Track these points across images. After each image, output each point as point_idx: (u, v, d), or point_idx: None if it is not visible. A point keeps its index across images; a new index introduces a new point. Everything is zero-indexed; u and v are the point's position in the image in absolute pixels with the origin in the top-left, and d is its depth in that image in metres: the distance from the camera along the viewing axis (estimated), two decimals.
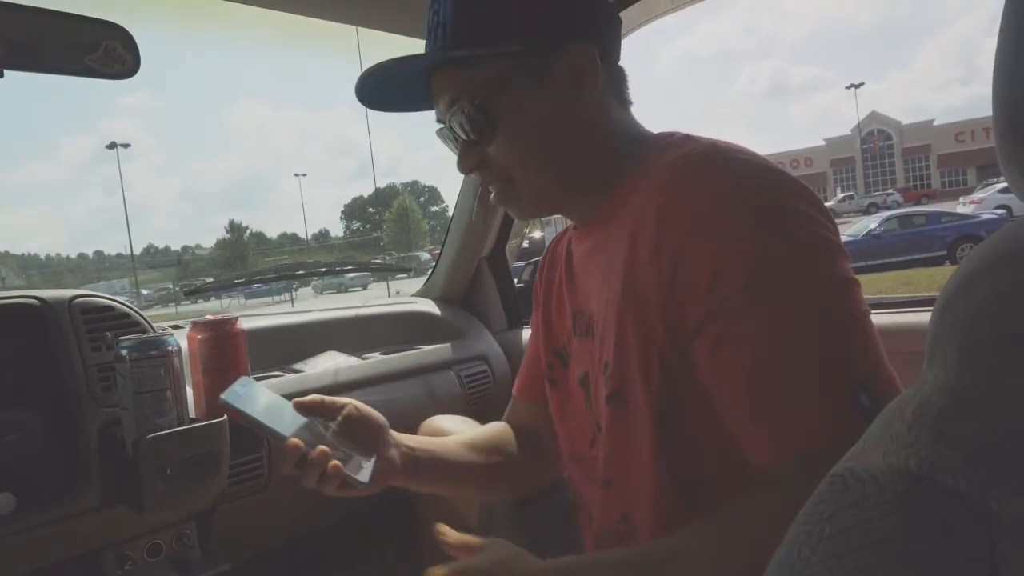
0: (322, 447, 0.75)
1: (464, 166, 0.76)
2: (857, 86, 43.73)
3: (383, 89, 0.78)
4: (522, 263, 2.01)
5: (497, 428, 1.00)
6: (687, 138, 0.73)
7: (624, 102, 0.78)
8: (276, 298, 23.44)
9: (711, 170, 0.64)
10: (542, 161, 0.74)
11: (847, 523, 0.30)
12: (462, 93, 0.72)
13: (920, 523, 0.28)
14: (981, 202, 18.35)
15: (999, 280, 0.30)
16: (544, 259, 0.95)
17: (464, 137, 0.74)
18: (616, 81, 0.78)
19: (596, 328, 0.76)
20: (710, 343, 0.61)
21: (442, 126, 0.77)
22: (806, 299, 0.58)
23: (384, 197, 67.62)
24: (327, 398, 0.84)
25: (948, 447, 0.29)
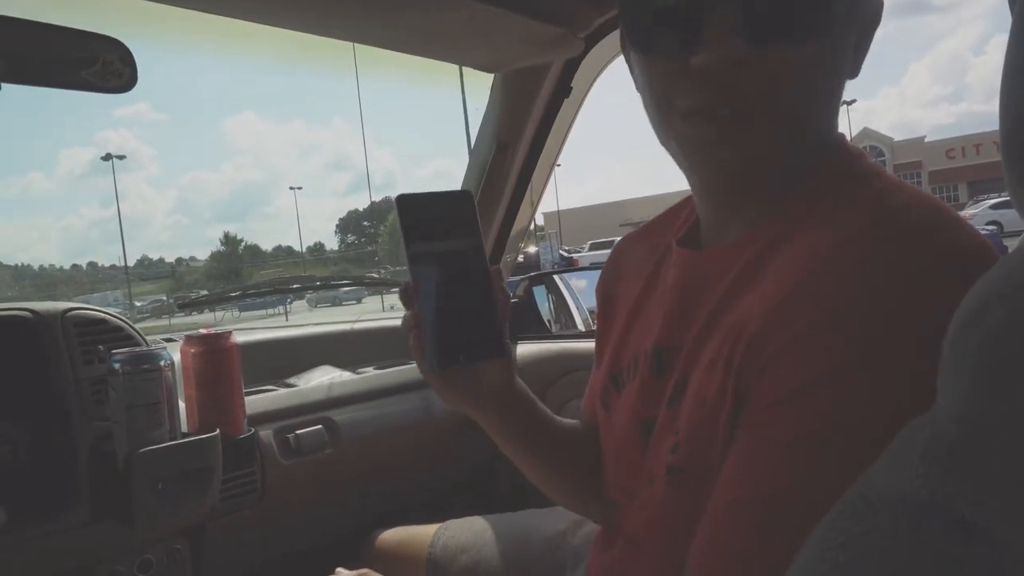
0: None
1: (719, 59, 0.52)
2: (849, 103, 44.11)
3: None
4: (517, 278, 2.01)
5: (575, 424, 0.86)
6: (866, 179, 0.56)
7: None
8: (270, 311, 23.37)
9: (851, 290, 0.48)
10: (822, 104, 0.56)
11: (860, 552, 0.30)
12: None
13: (935, 554, 0.28)
14: (972, 218, 18.50)
15: (1015, 307, 0.29)
16: (620, 260, 0.79)
17: (765, 25, 0.51)
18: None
19: (675, 372, 0.62)
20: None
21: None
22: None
23: (380, 210, 67.62)
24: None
25: (962, 478, 0.28)
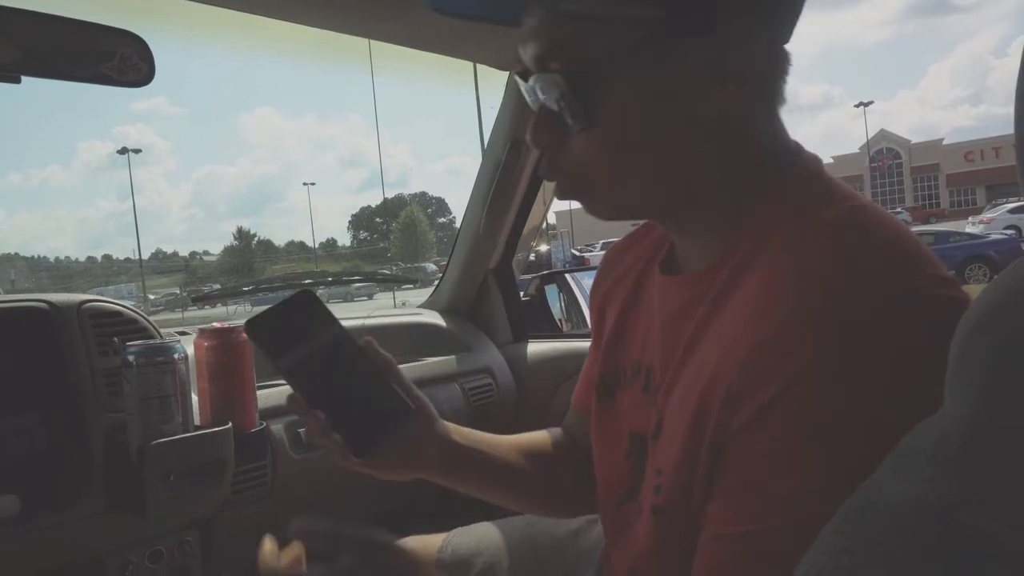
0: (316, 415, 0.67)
1: (539, 139, 0.61)
2: (866, 104, 43.78)
3: None
4: (528, 276, 2.01)
5: (546, 436, 0.89)
6: (825, 196, 0.57)
7: (776, 102, 0.59)
8: None
9: (822, 314, 0.48)
10: (640, 168, 0.58)
11: (865, 556, 0.30)
12: (563, 53, 0.56)
13: (940, 560, 0.28)
14: (990, 222, 18.28)
15: None
16: (613, 264, 0.81)
17: (552, 108, 0.58)
18: (773, 74, 0.57)
19: (656, 391, 0.64)
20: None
21: (527, 80, 0.61)
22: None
23: (392, 207, 67.80)
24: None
25: (970, 484, 0.28)
